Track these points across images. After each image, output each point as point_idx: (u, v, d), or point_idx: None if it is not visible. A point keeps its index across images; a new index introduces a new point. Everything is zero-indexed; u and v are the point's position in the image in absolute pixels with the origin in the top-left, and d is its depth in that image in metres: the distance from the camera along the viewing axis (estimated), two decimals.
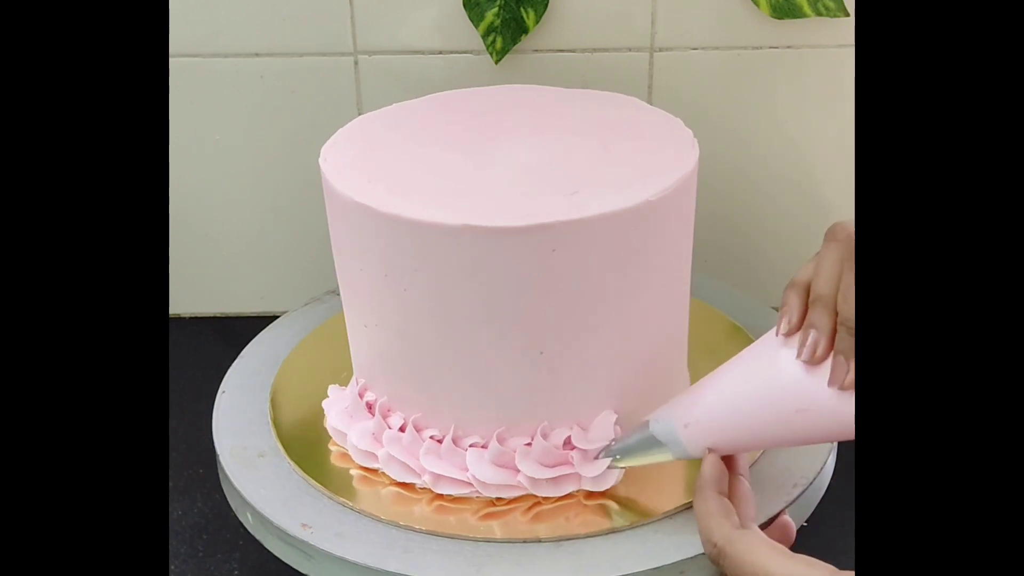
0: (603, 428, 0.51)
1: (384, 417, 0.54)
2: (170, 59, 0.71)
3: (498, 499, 0.51)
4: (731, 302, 0.67)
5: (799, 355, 0.44)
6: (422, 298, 0.50)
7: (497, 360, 0.50)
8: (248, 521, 0.53)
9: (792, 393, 0.44)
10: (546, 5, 0.69)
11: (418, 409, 0.52)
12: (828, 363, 0.44)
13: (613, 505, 0.51)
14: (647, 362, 0.53)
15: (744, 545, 0.43)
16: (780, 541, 0.45)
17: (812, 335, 0.44)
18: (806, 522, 0.52)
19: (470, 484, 0.51)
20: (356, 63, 0.72)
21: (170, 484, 0.64)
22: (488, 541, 0.49)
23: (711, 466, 0.46)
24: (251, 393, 0.60)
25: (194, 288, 0.80)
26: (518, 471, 0.51)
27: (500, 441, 0.51)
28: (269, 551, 0.52)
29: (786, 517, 0.49)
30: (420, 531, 0.50)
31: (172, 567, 0.58)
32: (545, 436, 0.51)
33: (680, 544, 0.48)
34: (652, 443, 0.48)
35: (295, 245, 0.78)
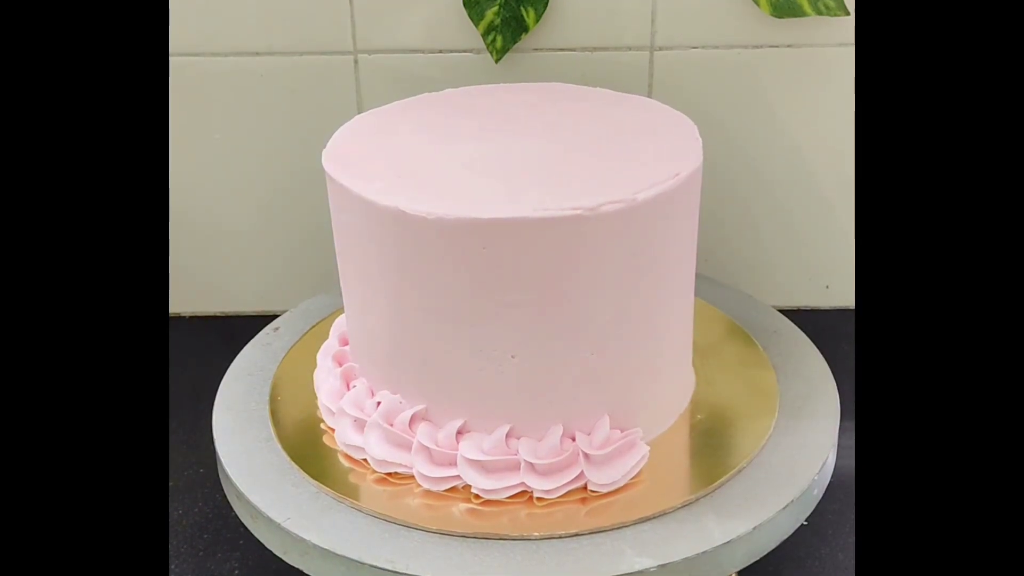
0: (602, 432, 0.51)
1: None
2: (170, 59, 0.71)
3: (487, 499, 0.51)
4: (731, 301, 0.67)
5: None
6: (421, 292, 0.50)
7: (498, 357, 0.50)
8: (247, 520, 0.53)
9: None
10: (546, 4, 0.69)
11: (420, 403, 0.53)
12: None
13: (613, 504, 0.51)
14: (652, 365, 0.53)
15: None
16: None
17: None
18: (806, 520, 0.52)
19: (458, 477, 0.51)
20: (356, 62, 0.72)
21: (170, 484, 0.64)
22: (483, 538, 0.49)
23: None
24: (250, 393, 0.60)
25: (194, 288, 0.80)
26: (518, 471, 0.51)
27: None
28: (269, 550, 0.52)
29: None
30: (416, 527, 0.50)
31: (172, 567, 0.58)
32: (540, 438, 0.51)
33: (690, 539, 0.49)
34: None
35: (295, 245, 0.78)
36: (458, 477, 0.51)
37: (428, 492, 0.51)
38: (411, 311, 0.51)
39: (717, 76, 0.72)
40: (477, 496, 0.51)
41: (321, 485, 0.52)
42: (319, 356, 0.60)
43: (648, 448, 0.52)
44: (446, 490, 0.51)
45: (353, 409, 0.54)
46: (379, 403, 0.54)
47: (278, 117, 0.74)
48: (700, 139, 0.54)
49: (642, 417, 0.53)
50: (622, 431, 0.52)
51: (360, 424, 0.54)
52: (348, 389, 0.56)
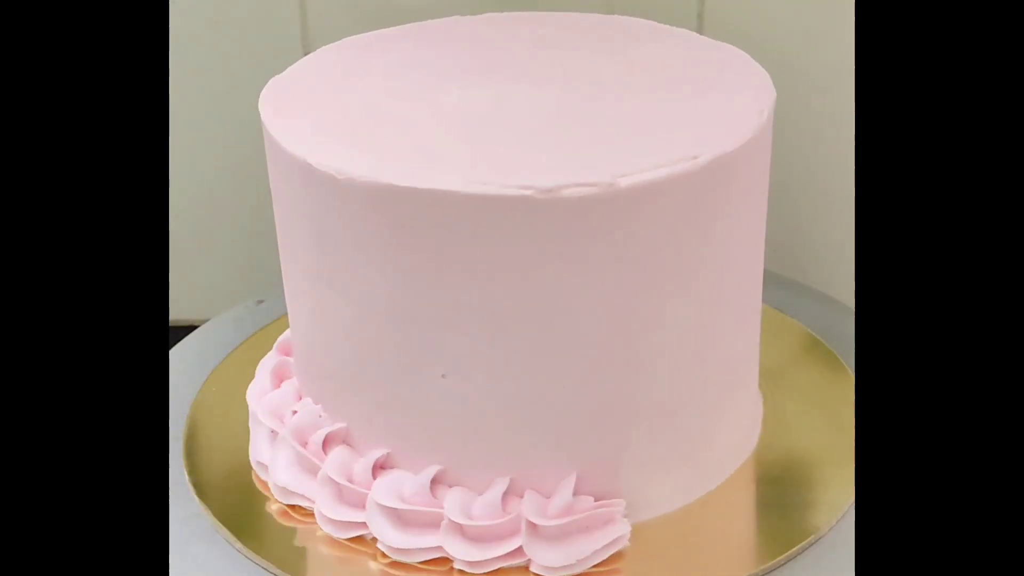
0: (562, 496, 0.50)
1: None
2: None
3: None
4: (806, 305, 0.67)
5: None
6: (337, 277, 0.51)
7: (427, 374, 0.50)
8: None
9: None
10: None
11: (341, 420, 0.54)
12: None
13: None
14: (695, 394, 0.53)
15: None
16: None
17: None
18: None
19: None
20: None
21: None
22: None
23: None
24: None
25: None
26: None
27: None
28: None
29: None
30: None
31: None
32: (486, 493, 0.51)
33: None
34: None
35: (223, 229, 0.78)
36: (364, 525, 0.52)
37: (331, 539, 0.52)
38: (328, 300, 0.52)
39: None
40: (384, 555, 0.51)
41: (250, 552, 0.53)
42: (258, 369, 0.61)
43: (629, 527, 0.51)
44: (351, 539, 0.52)
45: (269, 417, 0.54)
46: (295, 412, 0.55)
47: (194, 56, 0.74)
48: (773, 89, 0.54)
49: (623, 484, 0.52)
50: (598, 499, 0.51)
51: (274, 437, 0.55)
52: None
